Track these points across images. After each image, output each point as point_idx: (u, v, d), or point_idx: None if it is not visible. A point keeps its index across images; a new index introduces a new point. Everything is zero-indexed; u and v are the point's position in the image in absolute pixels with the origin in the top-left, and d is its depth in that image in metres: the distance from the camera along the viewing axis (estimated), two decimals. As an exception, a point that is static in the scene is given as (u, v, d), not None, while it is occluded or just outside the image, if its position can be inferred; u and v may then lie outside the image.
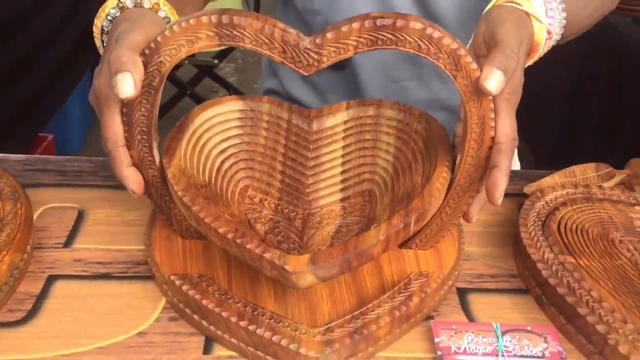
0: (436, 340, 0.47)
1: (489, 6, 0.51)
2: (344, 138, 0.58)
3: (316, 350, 0.43)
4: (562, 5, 0.52)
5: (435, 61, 0.44)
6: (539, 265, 0.51)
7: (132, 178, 0.48)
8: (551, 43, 0.52)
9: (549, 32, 0.50)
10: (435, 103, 0.72)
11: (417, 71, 0.71)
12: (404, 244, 0.53)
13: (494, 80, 0.43)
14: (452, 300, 0.51)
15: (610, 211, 0.57)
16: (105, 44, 0.51)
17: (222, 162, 0.56)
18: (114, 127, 0.46)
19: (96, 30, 0.52)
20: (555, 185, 0.61)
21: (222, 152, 0.56)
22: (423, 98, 0.72)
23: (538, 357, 0.46)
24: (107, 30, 0.51)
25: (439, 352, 0.46)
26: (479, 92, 0.44)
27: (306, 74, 0.45)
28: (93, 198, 0.58)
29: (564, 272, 0.50)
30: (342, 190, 0.57)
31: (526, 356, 0.46)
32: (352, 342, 0.44)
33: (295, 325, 0.44)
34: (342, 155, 0.58)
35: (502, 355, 0.46)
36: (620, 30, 1.62)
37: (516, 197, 0.62)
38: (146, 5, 0.51)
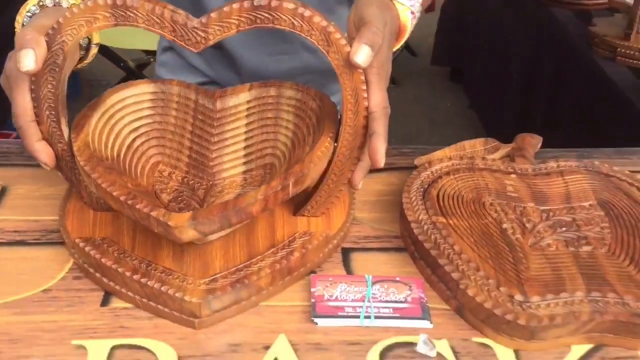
0: (312, 290, 0.53)
1: None
2: (247, 116, 0.64)
3: (199, 297, 0.48)
4: None
5: (308, 37, 0.50)
6: (413, 225, 0.57)
7: (43, 151, 0.53)
8: (415, 22, 0.59)
9: (412, 12, 0.56)
10: (305, 70, 0.80)
11: (289, 46, 0.78)
12: (298, 212, 0.59)
13: (362, 55, 0.49)
14: (336, 258, 0.57)
15: (488, 179, 0.64)
16: None
17: (134, 140, 0.61)
18: (24, 103, 0.52)
19: (17, 26, 0.57)
20: (444, 157, 0.67)
21: (134, 130, 0.62)
22: (294, 67, 0.79)
23: (401, 301, 0.52)
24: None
25: (313, 300, 0.52)
26: (350, 66, 0.50)
27: (195, 51, 0.51)
28: (17, 176, 0.64)
29: (433, 230, 0.56)
30: (244, 163, 0.63)
31: (390, 301, 0.52)
32: (234, 290, 0.50)
33: (183, 277, 0.50)
34: (245, 132, 0.64)
35: (369, 301, 0.52)
36: (563, 22, 1.70)
37: (411, 170, 0.68)
38: (64, 4, 0.56)
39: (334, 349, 0.48)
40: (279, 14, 0.48)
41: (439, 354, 0.48)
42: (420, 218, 0.58)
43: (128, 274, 0.50)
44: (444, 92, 2.91)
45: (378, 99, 0.52)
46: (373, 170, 0.71)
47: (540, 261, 0.53)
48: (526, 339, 0.48)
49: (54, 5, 0.56)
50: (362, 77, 0.51)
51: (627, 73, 1.39)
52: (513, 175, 0.64)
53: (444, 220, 0.58)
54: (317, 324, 0.50)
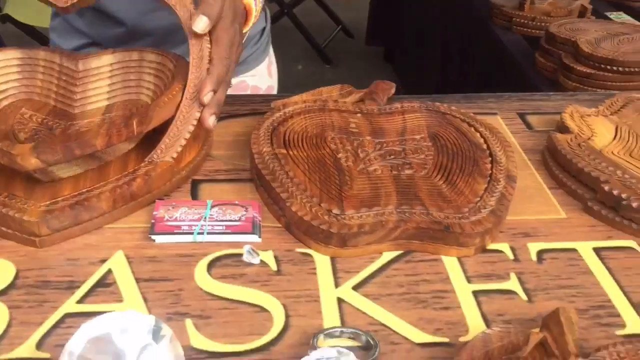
0: (154, 213, 0.57)
1: None
2: (110, 77, 0.69)
3: (37, 217, 0.52)
4: None
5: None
6: (255, 156, 0.62)
7: None
8: (261, 5, 0.68)
9: None
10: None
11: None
12: (149, 156, 0.63)
13: (201, 23, 0.58)
14: (185, 189, 0.62)
15: (334, 118, 0.69)
16: None
17: (1, 101, 0.65)
18: None
19: None
20: (299, 101, 0.72)
21: (1, 92, 0.66)
22: (174, 23, 0.82)
23: (235, 220, 0.57)
24: None
25: (153, 221, 0.56)
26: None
27: (60, 6, 0.55)
28: None
29: (273, 160, 0.61)
30: (105, 114, 0.67)
31: (225, 220, 0.57)
32: (74, 211, 0.54)
33: (25, 201, 0.54)
34: (108, 92, 0.68)
35: (205, 220, 0.56)
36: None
37: (272, 114, 0.73)
38: None
39: (167, 260, 0.53)
40: None
41: (262, 262, 0.54)
42: (263, 150, 0.63)
43: (-26, 200, 0.54)
44: (378, 72, 2.97)
45: (220, 52, 0.60)
46: (237, 115, 0.76)
47: (363, 182, 0.59)
48: (340, 246, 0.54)
49: None
50: (207, 38, 0.60)
51: (522, 41, 1.48)
52: (359, 115, 0.70)
53: (285, 151, 0.63)
54: (154, 240, 0.55)
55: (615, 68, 1.16)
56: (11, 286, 0.50)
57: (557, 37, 1.29)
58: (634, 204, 0.58)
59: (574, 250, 0.57)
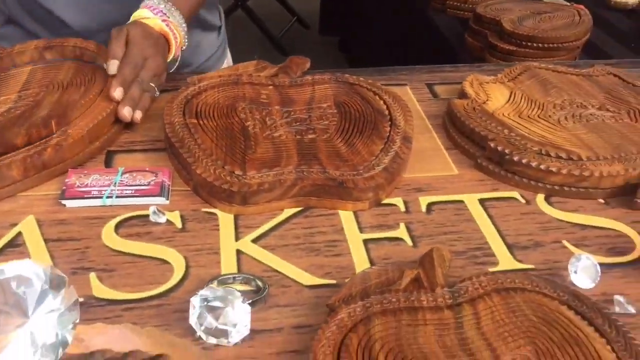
0: (66, 180, 0.60)
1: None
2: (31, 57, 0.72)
3: (-52, 185, 0.55)
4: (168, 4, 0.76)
5: None
6: (167, 126, 0.65)
7: None
8: (182, 31, 0.77)
9: (164, 20, 0.74)
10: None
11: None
12: None
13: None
14: (99, 159, 0.65)
15: (247, 90, 0.73)
16: None
17: None
18: None
19: None
20: (216, 76, 0.76)
21: None
22: (122, 16, 0.83)
23: (144, 185, 0.60)
24: None
25: (64, 187, 0.59)
26: None
27: None
28: None
29: (183, 129, 0.65)
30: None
31: (134, 185, 0.60)
32: (-18, 179, 0.57)
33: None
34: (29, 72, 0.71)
35: (115, 185, 0.60)
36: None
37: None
38: None
39: (76, 223, 0.56)
40: None
41: (168, 221, 0.57)
42: (174, 121, 0.66)
43: None
44: (333, 62, 3.02)
45: (127, 57, 0.70)
46: (162, 91, 0.79)
47: (267, 147, 0.63)
48: (241, 204, 0.58)
49: None
50: None
51: (455, 24, 1.54)
52: (270, 87, 0.74)
53: (195, 121, 0.66)
54: (65, 205, 0.58)
55: (535, 44, 1.22)
56: None
57: (483, 17, 1.34)
58: (515, 158, 0.63)
59: (461, 202, 0.61)
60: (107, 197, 0.58)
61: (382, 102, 0.72)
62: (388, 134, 0.66)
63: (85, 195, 0.58)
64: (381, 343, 0.43)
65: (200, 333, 0.45)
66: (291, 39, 3.18)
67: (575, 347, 0.42)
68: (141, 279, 0.51)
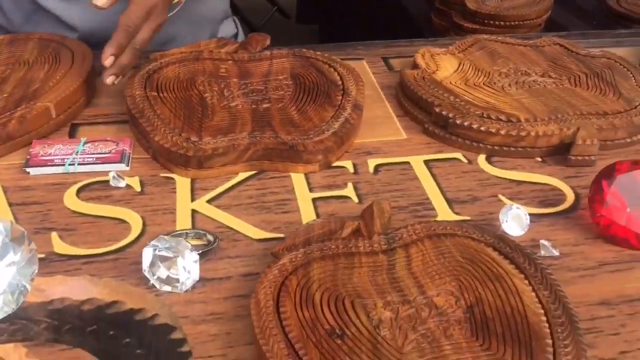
0: (30, 150, 0.63)
1: None
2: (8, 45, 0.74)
3: None
4: None
5: None
6: (128, 99, 0.68)
7: None
8: None
9: None
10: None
11: None
12: None
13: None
14: (64, 131, 0.68)
15: (207, 65, 0.76)
16: None
17: None
18: None
19: None
20: (177, 53, 0.79)
21: None
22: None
23: (105, 153, 0.63)
24: None
25: (28, 156, 0.62)
26: None
27: None
28: None
29: (144, 101, 0.68)
30: None
31: (96, 153, 0.63)
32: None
33: None
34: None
35: (77, 153, 0.63)
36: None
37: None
38: None
39: (39, 188, 0.59)
40: None
41: (128, 185, 0.60)
42: (136, 93, 0.69)
43: None
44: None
45: (122, 21, 0.68)
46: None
47: (223, 115, 0.66)
48: (197, 168, 0.61)
49: None
50: None
51: (422, 5, 1.57)
52: (230, 62, 0.77)
53: (155, 94, 0.69)
54: (29, 173, 0.61)
55: (498, 23, 1.26)
56: None
57: (449, -3, 1.38)
58: (458, 121, 0.66)
59: (407, 163, 0.65)
60: (70, 165, 0.61)
61: (336, 73, 0.75)
62: (340, 102, 0.69)
63: (49, 163, 0.61)
64: (318, 284, 0.46)
65: (153, 281, 0.49)
66: (272, 28, 3.21)
67: (495, 282, 0.46)
68: (100, 237, 0.54)
